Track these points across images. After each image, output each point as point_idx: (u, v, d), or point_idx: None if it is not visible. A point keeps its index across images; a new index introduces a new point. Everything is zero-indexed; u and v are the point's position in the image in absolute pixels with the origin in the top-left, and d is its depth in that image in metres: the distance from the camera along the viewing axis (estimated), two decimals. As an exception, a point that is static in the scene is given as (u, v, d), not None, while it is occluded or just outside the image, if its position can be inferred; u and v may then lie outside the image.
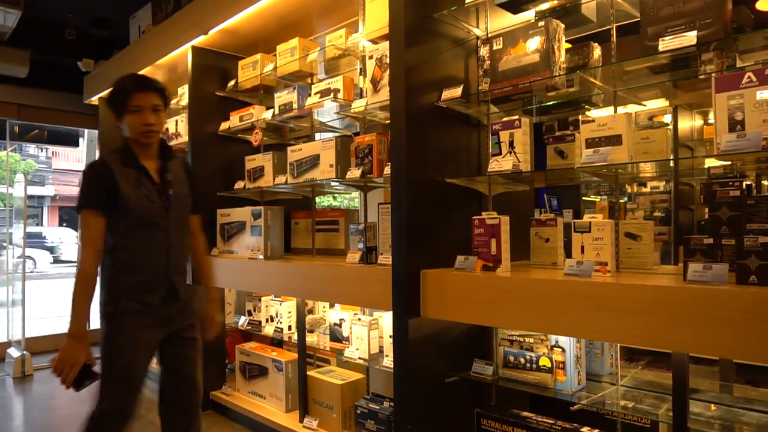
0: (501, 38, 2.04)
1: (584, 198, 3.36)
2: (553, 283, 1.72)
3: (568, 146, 2.21)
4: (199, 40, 3.45)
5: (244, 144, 3.58)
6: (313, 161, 2.84)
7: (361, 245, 2.46)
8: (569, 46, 2.10)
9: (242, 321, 3.53)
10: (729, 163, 1.79)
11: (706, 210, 1.59)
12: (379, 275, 2.23)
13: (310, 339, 3.03)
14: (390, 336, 2.38)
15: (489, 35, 2.26)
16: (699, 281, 1.48)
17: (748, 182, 1.91)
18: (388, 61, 2.36)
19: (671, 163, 2.07)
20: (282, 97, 3.07)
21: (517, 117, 1.99)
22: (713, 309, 1.40)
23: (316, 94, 2.83)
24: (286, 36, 3.16)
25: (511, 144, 2.00)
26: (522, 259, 2.27)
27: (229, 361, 3.77)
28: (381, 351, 2.66)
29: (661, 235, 2.81)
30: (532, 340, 2.09)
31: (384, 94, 2.40)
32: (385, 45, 2.40)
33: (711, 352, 1.50)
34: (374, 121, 2.75)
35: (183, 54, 3.65)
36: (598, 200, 3.40)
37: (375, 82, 2.46)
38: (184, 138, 3.68)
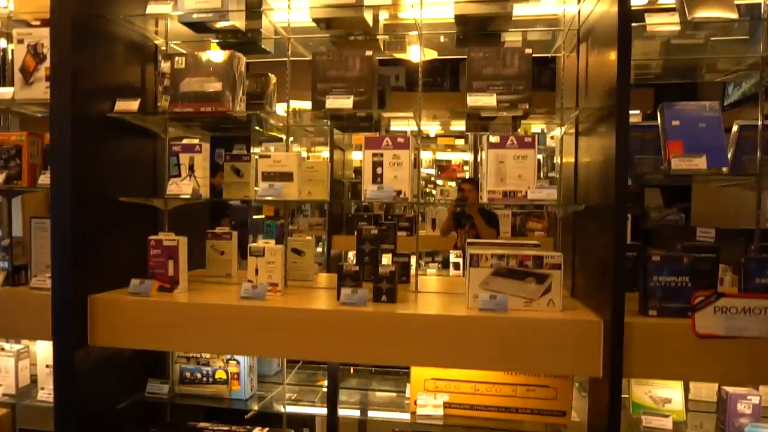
0: (184, 58, 2.01)
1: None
2: (230, 308, 1.85)
3: (244, 165, 2.34)
4: None
5: None
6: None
7: (5, 264, 2.09)
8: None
9: None
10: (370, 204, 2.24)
11: (356, 243, 1.97)
12: (33, 300, 1.95)
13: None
14: (47, 366, 2.12)
15: (170, 52, 2.19)
16: (348, 303, 1.83)
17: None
18: (45, 51, 2.03)
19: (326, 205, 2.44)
20: None
21: (198, 142, 2.02)
22: (358, 326, 1.77)
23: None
24: None
25: (191, 168, 2.02)
26: (198, 268, 2.32)
27: None
28: (34, 382, 2.32)
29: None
30: (209, 356, 2.19)
31: (40, 90, 2.06)
32: (40, 32, 2.05)
33: (357, 360, 1.88)
34: (24, 114, 2.33)
35: None
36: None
37: (27, 73, 2.09)
38: None
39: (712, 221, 2.72)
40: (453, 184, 5.91)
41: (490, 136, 1.81)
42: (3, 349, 2.26)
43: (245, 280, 1.98)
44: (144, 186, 2.23)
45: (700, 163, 1.62)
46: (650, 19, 1.66)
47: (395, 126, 4.04)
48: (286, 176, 1.96)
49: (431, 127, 6.13)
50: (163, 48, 2.25)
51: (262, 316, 1.83)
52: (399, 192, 1.85)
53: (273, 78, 2.29)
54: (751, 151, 1.79)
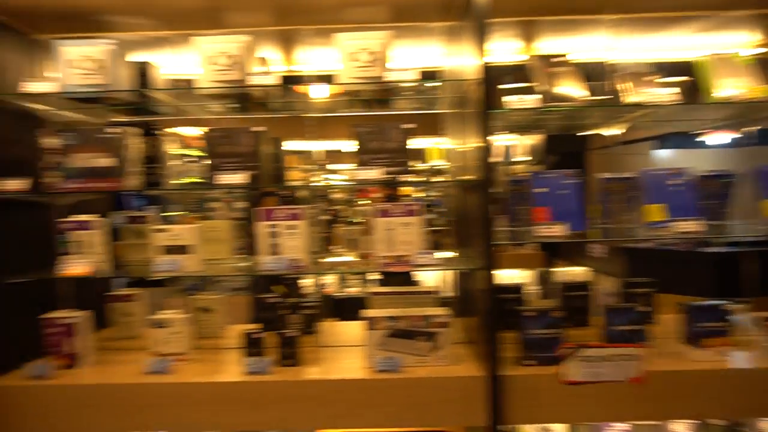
0: (73, 134, 1.98)
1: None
2: (134, 387, 1.87)
3: (144, 228, 2.33)
4: None
5: None
6: None
7: None
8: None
9: None
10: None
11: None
12: None
13: None
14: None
15: (56, 128, 2.14)
16: (252, 372, 1.90)
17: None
18: None
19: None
20: None
21: (92, 218, 2.01)
22: (263, 393, 1.85)
23: None
24: None
25: (85, 244, 2.01)
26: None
27: None
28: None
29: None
30: None
31: None
32: None
33: (263, 427, 1.94)
34: None
35: None
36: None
37: None
38: None
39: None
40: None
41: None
42: None
43: (151, 341, 2.02)
44: (36, 260, 2.18)
45: (562, 230, 1.82)
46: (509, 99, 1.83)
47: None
48: (186, 249, 1.99)
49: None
50: (50, 117, 2.20)
51: (166, 392, 1.87)
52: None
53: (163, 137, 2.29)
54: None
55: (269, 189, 2.36)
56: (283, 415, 1.86)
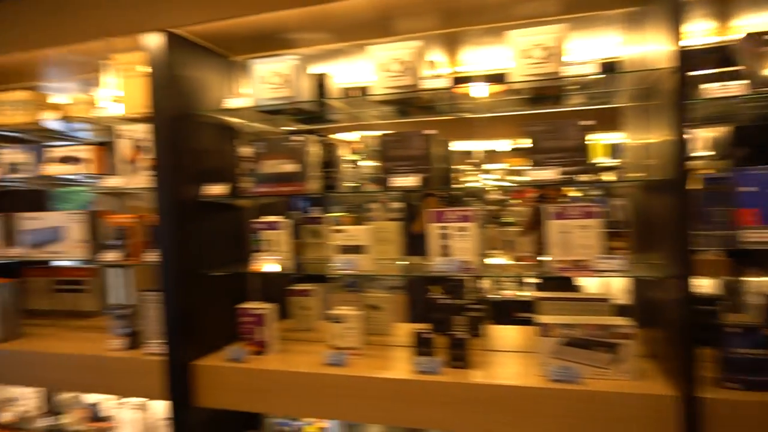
0: (263, 143, 2.19)
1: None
2: (314, 376, 2.01)
3: (319, 228, 2.51)
4: None
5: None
6: (54, 233, 2.59)
7: (124, 331, 2.38)
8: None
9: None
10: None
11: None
12: (147, 366, 2.23)
13: (66, 420, 2.80)
14: (160, 420, 2.40)
15: (248, 138, 2.39)
16: (422, 371, 1.93)
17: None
18: (146, 144, 2.31)
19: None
20: (9, 156, 2.68)
21: (279, 219, 2.20)
22: (432, 393, 1.87)
23: (57, 159, 2.56)
24: (6, 78, 2.76)
25: (273, 243, 2.21)
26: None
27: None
28: (149, 432, 2.64)
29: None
30: (298, 411, 2.38)
31: (144, 178, 2.33)
32: (140, 127, 2.33)
33: (430, 426, 1.97)
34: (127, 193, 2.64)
35: None
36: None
37: (131, 163, 2.37)
38: None
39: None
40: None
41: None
42: (123, 403, 2.58)
43: (326, 333, 2.17)
44: (232, 255, 2.45)
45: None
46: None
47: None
48: (360, 249, 2.09)
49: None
50: (242, 128, 2.46)
51: (341, 384, 1.98)
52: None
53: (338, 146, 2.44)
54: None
55: (430, 191, 2.39)
56: (450, 416, 1.87)
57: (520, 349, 2.18)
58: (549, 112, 2.34)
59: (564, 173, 1.82)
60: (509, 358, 2.10)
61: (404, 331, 2.41)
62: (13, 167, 2.67)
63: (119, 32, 2.17)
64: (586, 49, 2.24)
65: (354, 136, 3.16)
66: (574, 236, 1.83)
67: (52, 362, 2.44)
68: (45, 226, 2.61)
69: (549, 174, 1.82)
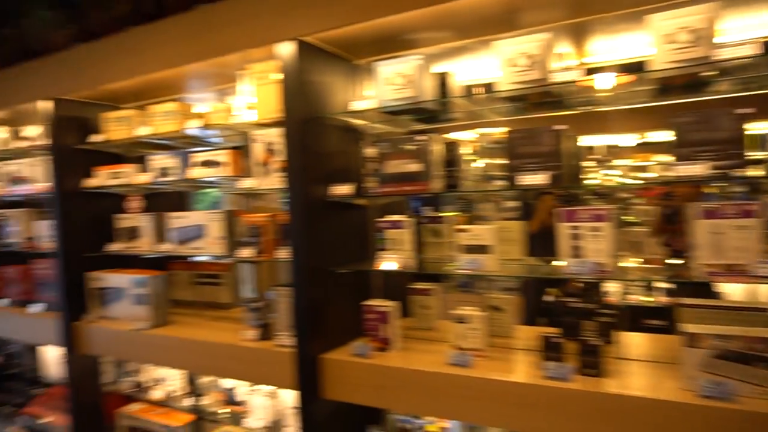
0: (387, 143, 2.24)
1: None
2: (438, 375, 2.01)
3: (440, 227, 2.51)
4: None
5: (110, 198, 3.39)
6: (198, 231, 2.84)
7: (257, 323, 2.56)
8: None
9: (124, 382, 3.41)
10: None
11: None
12: (278, 357, 2.36)
13: (205, 402, 3.07)
14: (289, 408, 2.54)
15: (373, 139, 2.45)
16: (551, 377, 1.85)
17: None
18: (278, 147, 2.45)
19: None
20: (160, 161, 2.99)
21: (403, 218, 2.23)
22: (561, 401, 1.79)
23: (200, 163, 2.81)
24: (156, 92, 3.08)
25: (396, 242, 2.24)
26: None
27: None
28: (277, 421, 2.80)
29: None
30: (419, 409, 2.39)
31: (275, 179, 2.48)
32: (272, 131, 2.48)
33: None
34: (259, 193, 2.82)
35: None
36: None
37: (264, 166, 2.54)
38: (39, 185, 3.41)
39: None
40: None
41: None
42: (255, 389, 2.76)
43: (447, 333, 2.15)
44: (356, 254, 2.53)
45: None
46: None
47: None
48: (485, 249, 2.06)
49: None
50: (366, 130, 2.53)
51: (465, 384, 1.96)
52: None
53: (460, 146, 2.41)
54: None
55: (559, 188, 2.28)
56: (579, 426, 1.77)
57: (657, 359, 2.01)
58: (687, 102, 2.14)
59: (715, 168, 1.65)
60: (645, 368, 1.95)
61: (525, 334, 2.33)
62: (164, 171, 2.97)
63: (256, 44, 2.32)
64: (740, 28, 2.01)
65: (471, 134, 3.12)
66: (728, 237, 1.65)
67: (194, 348, 2.68)
68: (190, 224, 2.88)
69: (698, 169, 1.65)
